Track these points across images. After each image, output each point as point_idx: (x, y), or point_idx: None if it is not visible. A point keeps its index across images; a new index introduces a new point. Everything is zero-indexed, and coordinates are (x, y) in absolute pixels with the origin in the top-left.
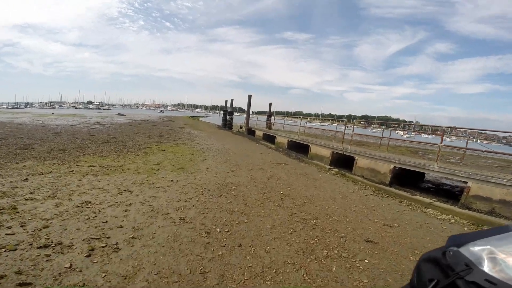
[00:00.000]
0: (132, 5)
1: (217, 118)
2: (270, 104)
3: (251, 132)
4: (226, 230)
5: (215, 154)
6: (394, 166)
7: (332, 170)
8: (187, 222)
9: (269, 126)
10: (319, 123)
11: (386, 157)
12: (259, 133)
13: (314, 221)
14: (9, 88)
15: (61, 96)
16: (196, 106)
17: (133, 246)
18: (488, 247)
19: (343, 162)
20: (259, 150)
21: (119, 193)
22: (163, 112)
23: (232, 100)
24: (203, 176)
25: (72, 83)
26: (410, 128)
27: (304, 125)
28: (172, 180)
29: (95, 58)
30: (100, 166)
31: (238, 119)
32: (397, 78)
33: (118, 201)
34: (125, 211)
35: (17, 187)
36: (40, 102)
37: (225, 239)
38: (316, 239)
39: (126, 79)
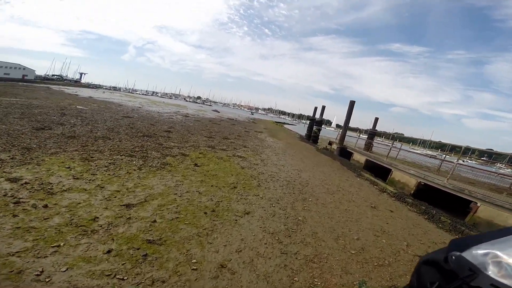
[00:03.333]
0: (238, 11)
1: (301, 128)
2: (376, 119)
3: (344, 153)
4: None
5: (276, 196)
6: None
7: None
8: None
9: (368, 148)
10: (423, 151)
11: None
12: (358, 158)
13: None
14: (145, 78)
15: (179, 90)
16: (284, 113)
17: None
18: (492, 251)
19: None
20: (365, 194)
21: None
22: (253, 114)
23: (323, 108)
24: None
25: (190, 79)
26: None
27: (455, 161)
28: None
29: (208, 60)
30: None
31: (325, 133)
32: None
33: None
34: None
35: None
36: (163, 92)
37: None
38: None
39: (230, 80)
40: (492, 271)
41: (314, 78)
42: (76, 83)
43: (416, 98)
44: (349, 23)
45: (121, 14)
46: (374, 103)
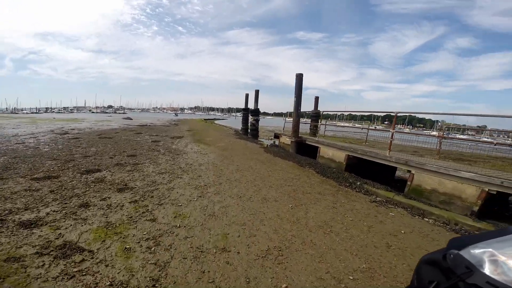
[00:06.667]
0: (144, 11)
1: (233, 121)
2: (317, 99)
3: (304, 148)
4: None
5: None
6: None
7: None
8: None
9: (315, 133)
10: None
11: None
12: (331, 154)
13: None
14: (35, 94)
15: (85, 101)
16: (212, 109)
17: None
18: (489, 249)
19: None
20: None
21: None
22: (177, 115)
23: (257, 93)
24: None
25: (95, 88)
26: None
27: None
28: None
29: (114, 64)
30: None
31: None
32: (417, 75)
33: None
34: None
35: None
36: (60, 107)
37: None
38: None
39: (144, 84)
40: (488, 269)
41: (236, 72)
42: None
43: (323, 80)
44: (261, 15)
45: None
46: (291, 88)
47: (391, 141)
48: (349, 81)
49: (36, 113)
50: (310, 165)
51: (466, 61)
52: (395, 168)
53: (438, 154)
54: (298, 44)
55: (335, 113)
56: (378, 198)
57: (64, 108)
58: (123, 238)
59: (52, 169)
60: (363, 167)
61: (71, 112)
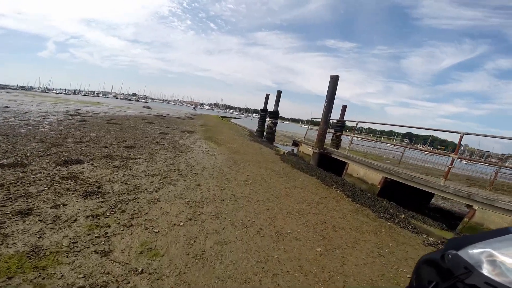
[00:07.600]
0: (181, 5)
1: (249, 122)
2: (345, 107)
3: (327, 162)
4: None
5: None
6: None
7: None
8: None
9: (337, 145)
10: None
11: None
12: (362, 173)
13: None
14: (69, 76)
15: (112, 87)
16: (230, 107)
17: None
18: (488, 249)
19: None
20: None
21: None
22: (195, 110)
23: (279, 94)
24: None
25: (124, 75)
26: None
27: None
28: None
29: (146, 55)
30: None
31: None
32: (447, 95)
33: None
34: None
35: None
36: (87, 91)
37: None
38: None
39: (171, 76)
40: (486, 269)
41: (259, 73)
42: None
43: (348, 90)
44: (292, 19)
45: (41, 6)
46: (313, 96)
47: (449, 168)
48: (374, 94)
49: (64, 94)
50: (337, 184)
51: (504, 84)
52: (431, 195)
53: (491, 185)
54: (326, 52)
55: (353, 125)
56: (431, 239)
57: (91, 91)
58: (43, 279)
59: (29, 154)
60: (396, 191)
61: (97, 96)
